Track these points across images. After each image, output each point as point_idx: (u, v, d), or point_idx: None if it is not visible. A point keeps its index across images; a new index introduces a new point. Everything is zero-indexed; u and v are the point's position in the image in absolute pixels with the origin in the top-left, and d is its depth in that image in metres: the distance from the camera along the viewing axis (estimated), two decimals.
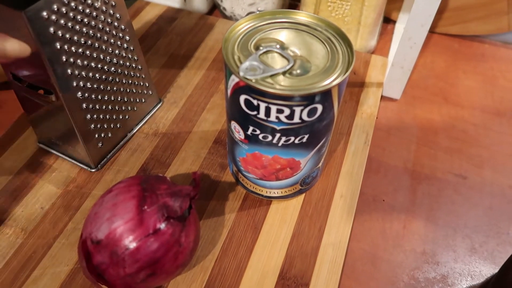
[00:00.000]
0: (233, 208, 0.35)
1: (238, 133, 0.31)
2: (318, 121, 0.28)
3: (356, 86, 0.46)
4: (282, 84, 0.26)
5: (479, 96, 0.48)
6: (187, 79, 0.46)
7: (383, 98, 0.47)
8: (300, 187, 0.35)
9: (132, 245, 0.25)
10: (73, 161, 0.38)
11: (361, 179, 0.38)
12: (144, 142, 0.40)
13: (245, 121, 0.29)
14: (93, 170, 0.37)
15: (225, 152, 0.39)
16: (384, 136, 0.43)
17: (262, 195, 0.35)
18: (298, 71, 0.27)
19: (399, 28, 0.55)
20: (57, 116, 0.34)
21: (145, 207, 0.26)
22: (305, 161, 0.31)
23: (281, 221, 0.35)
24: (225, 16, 0.56)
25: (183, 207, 0.27)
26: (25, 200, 0.35)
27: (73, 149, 0.37)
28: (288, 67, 0.27)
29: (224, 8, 0.54)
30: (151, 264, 0.26)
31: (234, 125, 0.30)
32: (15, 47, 0.29)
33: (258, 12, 0.30)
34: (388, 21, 0.57)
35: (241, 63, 0.27)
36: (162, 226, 0.26)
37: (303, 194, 0.36)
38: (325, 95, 0.26)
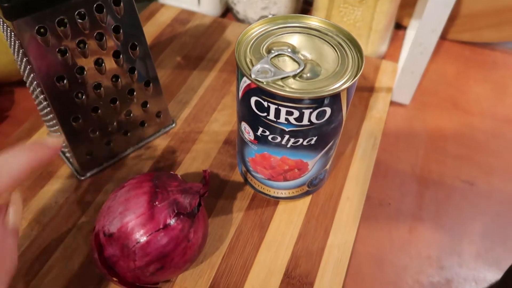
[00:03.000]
0: (241, 207, 0.36)
1: (248, 133, 0.31)
2: (327, 124, 0.29)
3: (365, 90, 0.47)
4: (292, 87, 0.27)
5: (490, 104, 0.48)
6: (200, 80, 0.47)
7: (392, 103, 0.47)
8: (308, 188, 0.35)
9: (143, 239, 0.26)
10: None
11: (368, 182, 0.38)
12: (156, 140, 0.41)
13: (255, 122, 0.30)
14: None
15: (235, 153, 0.40)
16: (392, 141, 0.44)
17: (269, 195, 0.36)
18: (308, 75, 0.28)
19: (410, 34, 0.56)
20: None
21: (156, 202, 0.27)
22: (312, 162, 0.32)
23: (287, 221, 0.35)
24: (238, 20, 0.56)
25: (193, 204, 0.28)
26: (40, 194, 0.36)
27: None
28: (298, 71, 0.27)
29: (237, 12, 0.55)
30: (160, 258, 0.27)
31: (244, 126, 0.31)
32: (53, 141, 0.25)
33: (271, 16, 0.31)
34: (399, 27, 0.57)
35: (253, 65, 0.28)
36: (172, 221, 0.27)
37: (310, 196, 0.37)
38: (334, 99, 0.27)
